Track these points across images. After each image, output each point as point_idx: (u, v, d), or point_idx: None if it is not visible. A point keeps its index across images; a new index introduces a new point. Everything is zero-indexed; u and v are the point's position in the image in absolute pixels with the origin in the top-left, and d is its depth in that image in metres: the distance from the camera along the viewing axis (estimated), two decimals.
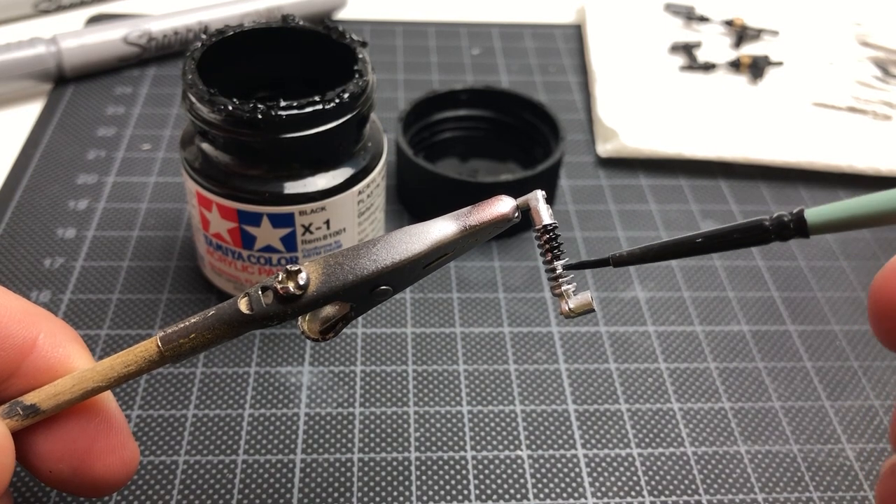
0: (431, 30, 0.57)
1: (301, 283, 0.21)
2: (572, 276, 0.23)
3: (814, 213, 0.20)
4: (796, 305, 0.38)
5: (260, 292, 0.22)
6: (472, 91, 0.44)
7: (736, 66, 0.52)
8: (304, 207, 0.32)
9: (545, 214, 0.22)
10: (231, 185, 0.32)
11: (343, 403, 0.33)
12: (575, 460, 0.31)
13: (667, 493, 0.31)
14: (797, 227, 0.20)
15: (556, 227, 0.22)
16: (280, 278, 0.21)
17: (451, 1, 0.61)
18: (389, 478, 0.31)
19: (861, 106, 0.49)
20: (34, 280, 0.37)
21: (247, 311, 0.22)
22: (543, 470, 0.31)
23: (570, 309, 0.22)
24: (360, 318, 0.36)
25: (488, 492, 0.30)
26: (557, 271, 0.23)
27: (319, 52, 0.35)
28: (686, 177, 0.46)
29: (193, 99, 0.31)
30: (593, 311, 0.22)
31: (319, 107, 0.30)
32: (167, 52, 0.52)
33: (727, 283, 0.39)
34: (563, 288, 0.22)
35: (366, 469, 0.31)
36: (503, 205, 0.22)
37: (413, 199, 0.42)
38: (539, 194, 0.22)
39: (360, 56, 0.33)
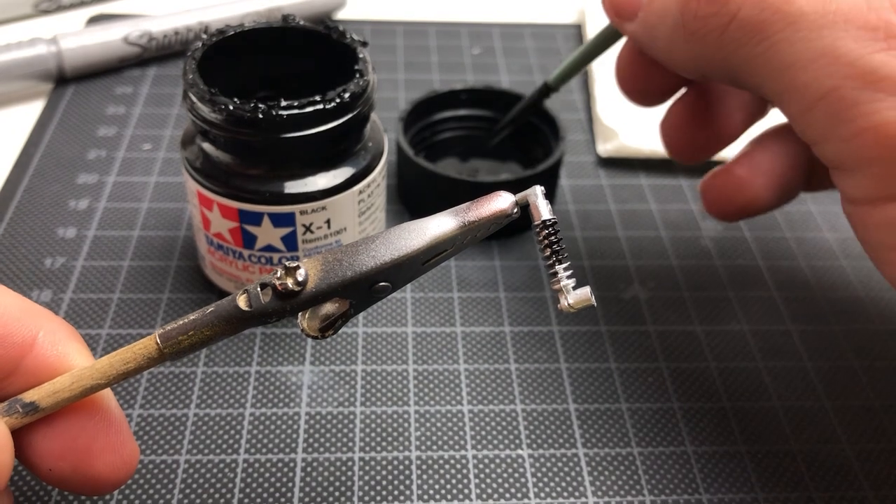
0: (432, 30, 0.57)
1: (300, 279, 0.21)
2: (572, 271, 0.23)
3: (552, 76, 0.36)
4: (796, 305, 0.38)
5: (259, 289, 0.22)
6: (473, 91, 0.44)
7: None
8: (304, 207, 0.32)
9: (544, 210, 0.22)
10: (232, 184, 0.32)
11: (344, 403, 0.33)
12: (576, 459, 0.31)
13: (667, 491, 0.31)
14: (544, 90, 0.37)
15: (555, 223, 0.22)
16: (279, 275, 0.21)
17: (451, 1, 0.61)
18: (390, 477, 0.31)
19: None
20: (35, 280, 0.37)
21: (246, 308, 0.22)
22: (544, 469, 0.31)
23: (569, 304, 0.22)
24: (360, 318, 0.36)
25: (489, 491, 0.30)
26: (557, 266, 0.23)
27: (319, 52, 0.35)
28: (686, 177, 0.46)
29: (194, 99, 0.31)
30: (593, 306, 0.22)
31: (320, 106, 0.30)
32: (167, 52, 0.52)
33: (727, 283, 0.39)
34: (563, 283, 0.22)
35: (366, 468, 0.31)
36: (502, 200, 0.22)
37: (413, 198, 0.42)
38: (538, 190, 0.22)
39: (361, 56, 0.33)
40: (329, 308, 0.22)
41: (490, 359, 0.35)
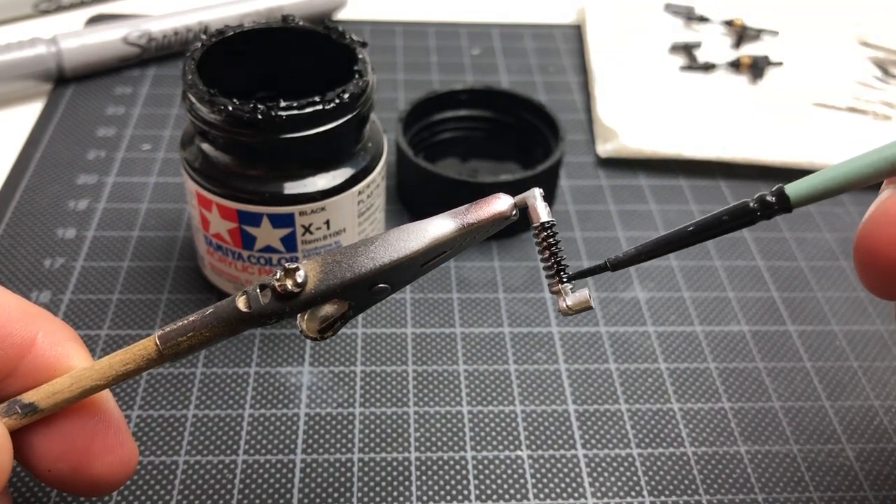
0: (431, 30, 0.57)
1: (299, 280, 0.21)
2: (570, 273, 0.23)
3: (793, 187, 0.21)
4: (796, 305, 0.38)
5: (258, 290, 0.22)
6: (472, 91, 0.44)
7: (736, 66, 0.52)
8: (304, 208, 0.32)
9: (543, 212, 0.22)
10: (231, 185, 0.32)
11: (343, 403, 0.33)
12: (575, 460, 0.31)
13: (667, 493, 0.31)
14: (780, 203, 0.21)
15: (553, 225, 0.22)
16: (278, 276, 0.21)
17: (451, 1, 0.61)
18: (389, 478, 0.30)
19: (861, 106, 0.49)
20: (34, 280, 0.37)
21: (245, 310, 0.22)
22: (543, 470, 0.31)
23: (567, 306, 0.22)
24: (359, 318, 0.36)
25: (488, 492, 0.30)
26: (555, 268, 0.23)
27: (319, 52, 0.35)
28: (686, 177, 0.46)
29: (193, 99, 0.31)
30: (591, 308, 0.22)
31: (319, 107, 0.30)
32: (167, 52, 0.52)
33: (727, 283, 0.39)
34: (561, 285, 0.22)
35: (366, 469, 0.31)
36: (500, 203, 0.22)
37: (413, 199, 0.42)
38: (536, 192, 0.22)
39: (360, 56, 0.33)
40: (328, 309, 0.22)
41: (489, 360, 0.35)
